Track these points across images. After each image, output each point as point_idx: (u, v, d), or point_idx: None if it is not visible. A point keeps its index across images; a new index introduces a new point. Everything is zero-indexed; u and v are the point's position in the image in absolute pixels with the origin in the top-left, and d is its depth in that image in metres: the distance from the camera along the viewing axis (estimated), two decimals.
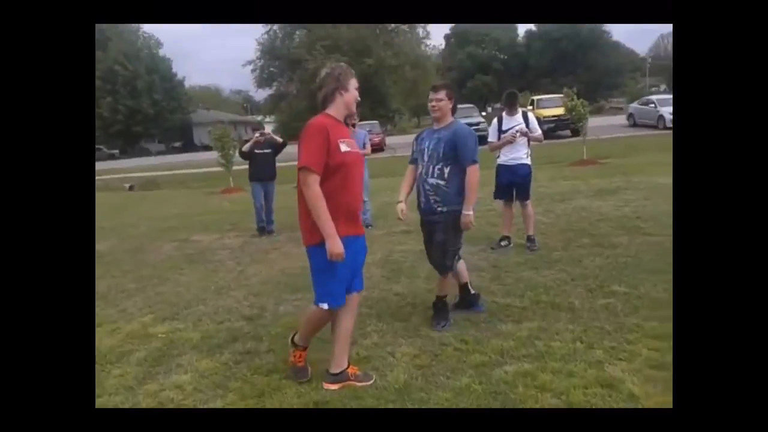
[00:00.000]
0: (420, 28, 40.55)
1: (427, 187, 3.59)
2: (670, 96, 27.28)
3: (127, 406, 2.89)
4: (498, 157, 5.69)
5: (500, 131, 5.55)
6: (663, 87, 58.90)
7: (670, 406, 2.49)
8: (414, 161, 3.82)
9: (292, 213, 8.30)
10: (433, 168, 3.56)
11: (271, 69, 42.06)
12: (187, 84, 52.48)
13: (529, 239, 5.53)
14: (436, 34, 59.91)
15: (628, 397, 2.56)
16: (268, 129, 9.24)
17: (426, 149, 3.63)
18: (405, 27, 40.57)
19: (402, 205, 3.76)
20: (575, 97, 14.30)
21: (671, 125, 21.41)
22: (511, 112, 5.54)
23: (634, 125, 24.75)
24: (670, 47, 69.57)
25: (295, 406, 2.73)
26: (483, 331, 3.50)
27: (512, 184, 5.58)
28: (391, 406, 2.65)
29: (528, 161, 5.56)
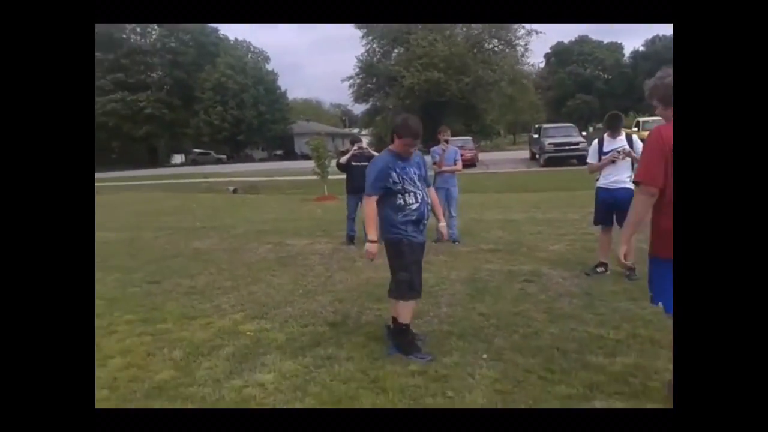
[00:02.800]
0: (520, 47, 39.87)
1: None
2: None
3: (213, 398, 3.02)
4: (597, 179, 5.41)
5: (601, 153, 5.28)
6: None
7: None
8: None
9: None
10: None
11: (369, 85, 43.23)
12: (290, 96, 55.26)
13: (629, 267, 5.17)
14: (536, 53, 58.79)
15: None
16: (365, 142, 9.47)
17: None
18: (504, 46, 40.05)
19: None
20: None
21: None
22: (614, 134, 5.26)
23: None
24: None
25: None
26: (571, 361, 3.30)
27: (612, 207, 5.25)
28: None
29: (630, 185, 5.21)
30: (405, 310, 3.58)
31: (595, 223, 5.53)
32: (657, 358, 3.27)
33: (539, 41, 40.45)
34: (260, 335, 4.04)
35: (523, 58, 40.75)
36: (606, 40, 58.46)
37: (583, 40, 58.11)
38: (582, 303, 4.45)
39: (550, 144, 22.64)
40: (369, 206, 3.54)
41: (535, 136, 26.17)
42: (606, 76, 56.41)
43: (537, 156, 24.84)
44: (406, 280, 3.53)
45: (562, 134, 23.64)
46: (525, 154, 29.72)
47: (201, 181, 23.46)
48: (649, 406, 2.68)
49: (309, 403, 2.90)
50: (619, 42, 58.33)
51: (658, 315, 4.01)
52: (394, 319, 3.64)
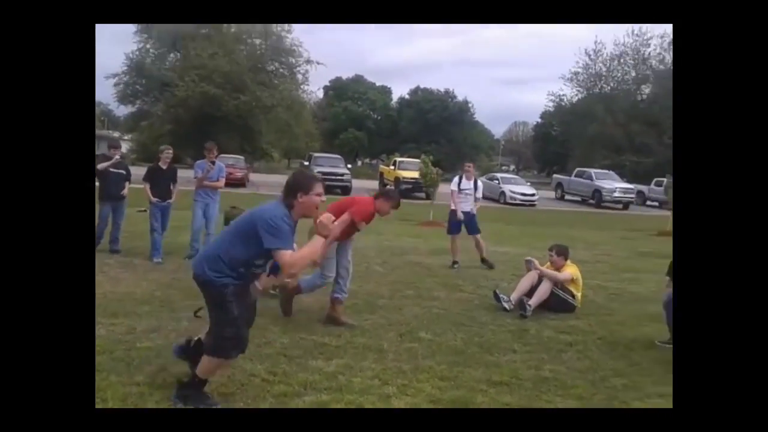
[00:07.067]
0: (300, 75, 41.23)
1: None
2: (513, 176, 31.04)
3: None
4: (452, 204, 8.12)
5: (459, 186, 8.16)
6: (512, 167, 66.34)
7: None
8: None
9: (132, 237, 7.89)
10: None
11: (137, 86, 39.70)
12: None
13: (484, 261, 8.05)
14: (316, 84, 62.09)
15: None
16: (124, 148, 8.85)
17: None
18: (284, 71, 40.94)
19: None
20: (430, 164, 15.63)
21: (511, 201, 24.21)
22: (469, 177, 8.28)
23: (481, 197, 27.40)
24: (521, 133, 78.66)
25: None
26: (294, 365, 3.72)
27: (462, 222, 7.95)
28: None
29: (474, 211, 8.18)
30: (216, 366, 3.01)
31: (449, 232, 8.15)
32: (364, 360, 3.90)
33: (319, 73, 42.26)
34: None
35: (302, 86, 42.17)
36: (378, 83, 64.34)
37: (358, 79, 62.93)
38: (317, 316, 4.97)
39: (318, 172, 23.97)
40: (297, 255, 2.87)
41: (306, 163, 27.41)
42: (376, 116, 61.96)
43: None
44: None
45: (330, 164, 25.27)
46: None
47: None
48: (348, 398, 3.22)
49: None
50: (389, 87, 64.79)
51: (375, 325, 4.77)
52: (194, 374, 2.99)
